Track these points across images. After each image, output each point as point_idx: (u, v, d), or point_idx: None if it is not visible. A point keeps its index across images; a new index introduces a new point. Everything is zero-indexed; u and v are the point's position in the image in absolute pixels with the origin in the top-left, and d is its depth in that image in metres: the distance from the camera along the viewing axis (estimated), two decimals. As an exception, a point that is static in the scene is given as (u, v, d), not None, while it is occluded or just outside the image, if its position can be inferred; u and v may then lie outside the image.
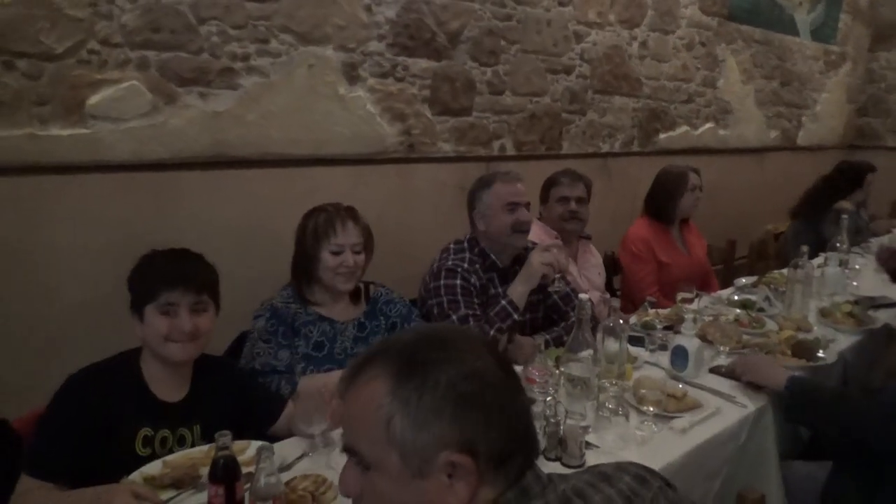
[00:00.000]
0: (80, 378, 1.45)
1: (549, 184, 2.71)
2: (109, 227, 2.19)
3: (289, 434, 1.60)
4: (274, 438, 1.56)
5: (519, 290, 2.13)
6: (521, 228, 2.23)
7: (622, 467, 0.87)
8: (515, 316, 2.09)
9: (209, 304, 1.55)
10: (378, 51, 2.78)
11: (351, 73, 2.71)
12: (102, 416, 1.41)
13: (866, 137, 6.02)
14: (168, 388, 1.53)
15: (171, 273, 1.50)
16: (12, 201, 2.02)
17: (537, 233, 2.58)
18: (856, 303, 2.56)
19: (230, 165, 2.45)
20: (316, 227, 1.93)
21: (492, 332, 2.04)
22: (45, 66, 2.01)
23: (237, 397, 1.62)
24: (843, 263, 2.85)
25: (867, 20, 5.84)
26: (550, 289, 2.22)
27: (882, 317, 2.50)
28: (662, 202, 3.03)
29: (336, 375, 1.79)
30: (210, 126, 2.37)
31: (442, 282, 2.16)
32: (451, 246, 2.28)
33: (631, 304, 2.83)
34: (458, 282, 2.15)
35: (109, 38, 2.11)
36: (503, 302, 2.10)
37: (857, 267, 3.08)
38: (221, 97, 2.38)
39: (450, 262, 2.19)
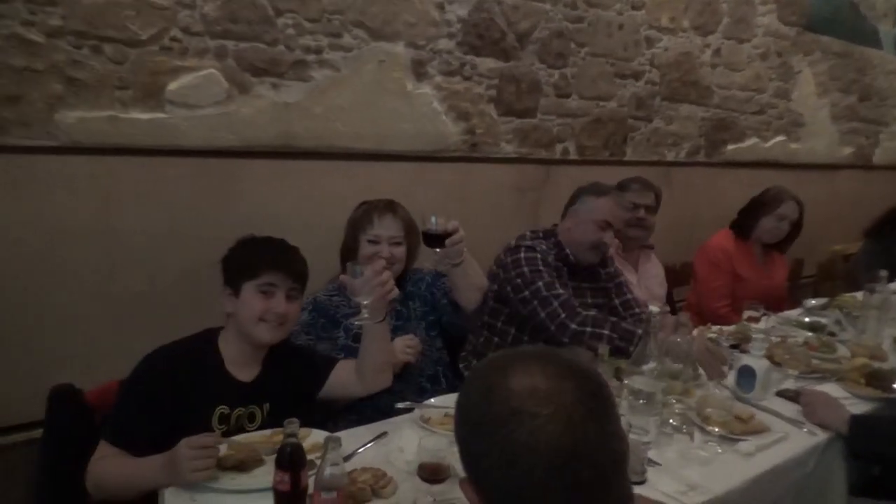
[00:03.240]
0: (158, 357, 1.50)
1: (619, 189, 2.66)
2: (177, 211, 2.25)
3: (341, 397, 1.69)
4: (327, 412, 1.63)
5: None
6: (599, 249, 2.24)
7: None
8: None
9: (300, 293, 1.62)
10: (447, 49, 2.77)
11: (419, 70, 2.71)
12: (181, 393, 1.46)
13: (948, 158, 5.70)
14: (243, 367, 1.58)
15: (275, 256, 1.58)
16: (91, 180, 2.09)
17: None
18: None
19: (296, 156, 2.48)
20: (356, 218, 2.02)
21: None
22: (129, 52, 2.08)
23: (299, 373, 1.65)
24: (922, 291, 2.70)
25: (956, 35, 5.54)
26: None
27: (963, 349, 2.36)
28: (744, 216, 3.00)
29: None
30: (279, 116, 2.40)
31: (522, 255, 2.13)
32: (528, 233, 2.27)
33: (699, 315, 2.75)
34: (538, 255, 2.14)
35: (190, 27, 2.16)
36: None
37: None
38: (292, 89, 2.41)
39: (527, 241, 2.20)
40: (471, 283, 1.93)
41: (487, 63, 2.92)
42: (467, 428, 0.81)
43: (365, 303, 1.51)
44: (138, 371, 1.48)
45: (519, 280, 2.09)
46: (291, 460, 1.13)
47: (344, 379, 1.66)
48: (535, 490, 0.74)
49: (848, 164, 4.96)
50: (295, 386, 1.61)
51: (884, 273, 2.39)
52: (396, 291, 1.60)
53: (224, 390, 1.52)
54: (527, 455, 0.74)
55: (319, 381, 1.66)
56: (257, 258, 1.57)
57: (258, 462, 1.34)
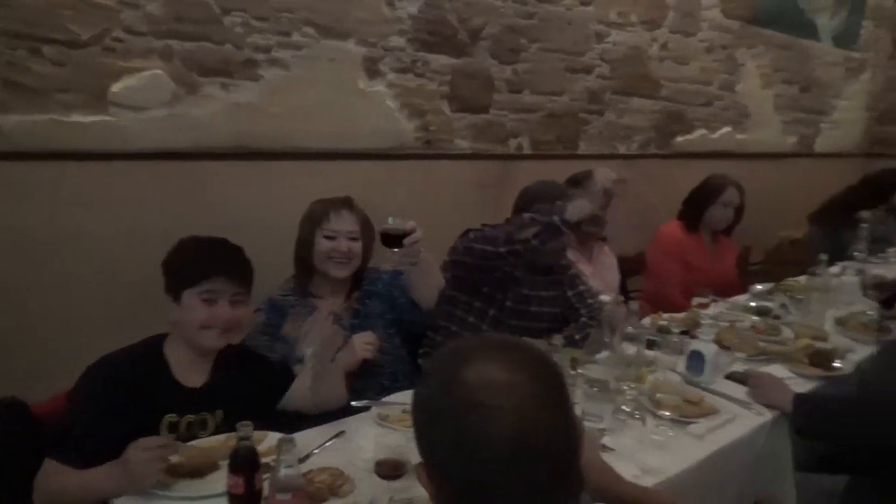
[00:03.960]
0: (100, 367, 1.45)
1: (573, 185, 2.69)
2: (132, 215, 2.20)
3: (301, 407, 1.63)
4: (285, 415, 1.60)
5: None
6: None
7: None
8: None
9: (247, 296, 1.56)
10: (399, 46, 2.77)
11: (371, 68, 2.71)
12: (126, 402, 1.41)
13: (886, 146, 5.94)
14: (191, 373, 1.53)
15: (215, 261, 1.50)
16: (36, 187, 2.03)
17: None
18: (873, 312, 2.53)
19: (253, 157, 2.45)
20: (311, 214, 2.01)
21: None
22: (71, 54, 2.02)
23: (255, 381, 1.61)
24: (860, 272, 2.82)
25: (890, 27, 5.77)
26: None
27: (899, 327, 2.47)
28: (690, 208, 3.04)
29: None
30: (233, 117, 2.37)
31: (470, 233, 2.17)
32: (480, 225, 2.29)
33: (652, 304, 2.82)
34: (485, 232, 2.16)
35: (134, 27, 2.12)
36: None
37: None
38: (244, 89, 2.38)
39: (477, 226, 2.23)
40: (428, 282, 1.94)
41: (440, 59, 2.93)
42: (424, 417, 0.81)
43: (309, 353, 1.48)
44: (81, 384, 1.43)
45: (465, 246, 2.14)
46: (244, 463, 1.12)
47: (298, 396, 1.63)
48: (491, 481, 0.75)
49: (792, 153, 5.13)
50: (250, 392, 1.57)
51: (823, 256, 2.48)
52: (342, 336, 1.59)
53: (171, 397, 1.47)
54: (482, 447, 0.74)
55: (277, 395, 1.63)
56: (196, 264, 1.49)
57: (213, 467, 1.32)
